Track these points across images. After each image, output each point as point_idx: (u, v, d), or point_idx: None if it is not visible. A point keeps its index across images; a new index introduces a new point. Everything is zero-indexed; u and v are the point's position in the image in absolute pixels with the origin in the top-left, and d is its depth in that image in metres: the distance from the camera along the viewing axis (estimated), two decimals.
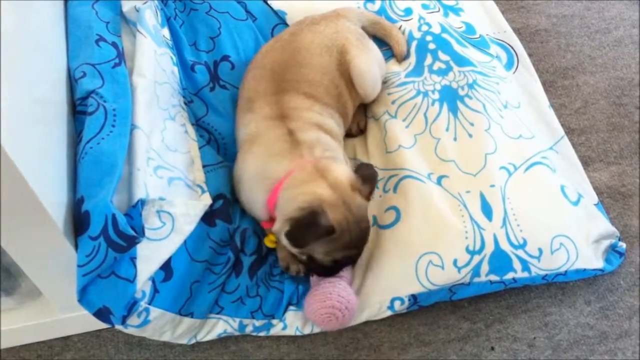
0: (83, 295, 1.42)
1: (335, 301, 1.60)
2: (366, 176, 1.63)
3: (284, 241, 1.59)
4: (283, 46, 1.88)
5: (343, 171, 1.62)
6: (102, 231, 1.37)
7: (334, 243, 1.56)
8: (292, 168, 1.62)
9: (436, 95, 1.97)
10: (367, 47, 1.97)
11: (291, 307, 1.70)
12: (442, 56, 2.05)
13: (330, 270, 1.65)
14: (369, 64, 1.91)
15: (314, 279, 1.70)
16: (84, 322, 1.69)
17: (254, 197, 1.69)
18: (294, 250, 1.61)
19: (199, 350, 1.71)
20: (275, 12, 2.19)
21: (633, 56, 2.32)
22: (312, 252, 1.59)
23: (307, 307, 1.65)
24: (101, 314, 1.45)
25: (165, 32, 1.98)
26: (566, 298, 1.79)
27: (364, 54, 1.92)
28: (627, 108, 2.18)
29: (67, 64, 1.69)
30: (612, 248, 1.81)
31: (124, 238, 1.38)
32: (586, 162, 2.02)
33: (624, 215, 1.94)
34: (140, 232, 1.43)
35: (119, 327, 1.49)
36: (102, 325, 1.71)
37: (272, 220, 1.66)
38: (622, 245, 1.82)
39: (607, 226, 1.82)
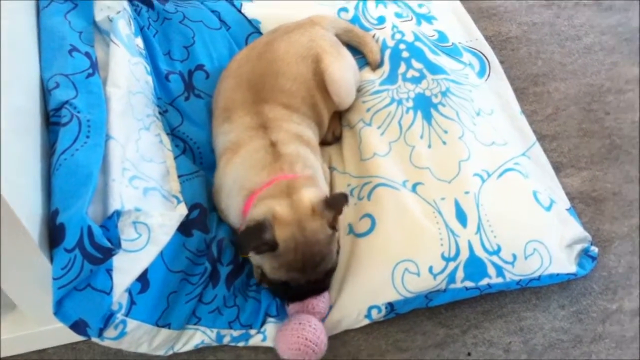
0: (59, 308, 1.41)
1: (301, 345, 1.61)
2: (332, 202, 1.59)
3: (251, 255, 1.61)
4: (259, 55, 1.88)
5: (311, 194, 1.59)
6: (78, 243, 1.36)
7: (278, 260, 1.55)
8: (269, 181, 1.63)
9: (410, 103, 1.98)
10: (341, 55, 1.98)
11: (270, 319, 1.70)
12: (416, 64, 2.07)
13: (284, 293, 1.66)
14: (343, 71, 1.93)
15: (287, 309, 1.71)
16: (60, 334, 1.67)
17: (230, 205, 1.69)
18: (253, 261, 1.64)
19: None
20: (249, 21, 2.19)
21: (602, 63, 2.36)
22: (261, 265, 1.60)
23: (276, 344, 1.66)
24: (77, 326, 1.43)
25: (139, 41, 1.98)
26: (540, 302, 1.81)
27: (338, 61, 1.93)
28: (597, 114, 2.22)
29: (40, 75, 1.67)
30: (585, 252, 1.84)
31: (100, 250, 1.37)
32: (558, 168, 2.05)
33: (596, 220, 1.97)
34: (116, 244, 1.42)
35: (95, 339, 1.48)
36: (79, 338, 1.70)
37: None
38: (595, 249, 1.84)
39: (580, 231, 1.85)
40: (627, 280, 1.85)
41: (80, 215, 1.37)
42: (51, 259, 1.40)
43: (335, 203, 1.59)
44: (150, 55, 2.01)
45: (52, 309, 1.41)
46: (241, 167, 1.69)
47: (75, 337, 1.69)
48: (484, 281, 1.71)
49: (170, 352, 1.66)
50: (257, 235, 1.51)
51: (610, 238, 1.93)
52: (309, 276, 1.59)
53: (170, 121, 1.93)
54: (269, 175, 1.64)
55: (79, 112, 1.57)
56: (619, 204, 2.01)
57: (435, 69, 2.06)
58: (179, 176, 1.76)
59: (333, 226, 1.58)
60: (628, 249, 1.91)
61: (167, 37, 2.10)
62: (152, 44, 2.04)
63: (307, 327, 1.63)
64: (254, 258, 1.62)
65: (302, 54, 1.89)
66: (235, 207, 1.67)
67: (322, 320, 1.70)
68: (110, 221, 1.44)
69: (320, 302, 1.69)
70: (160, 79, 1.98)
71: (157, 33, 2.10)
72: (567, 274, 1.79)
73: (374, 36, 2.15)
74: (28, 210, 1.35)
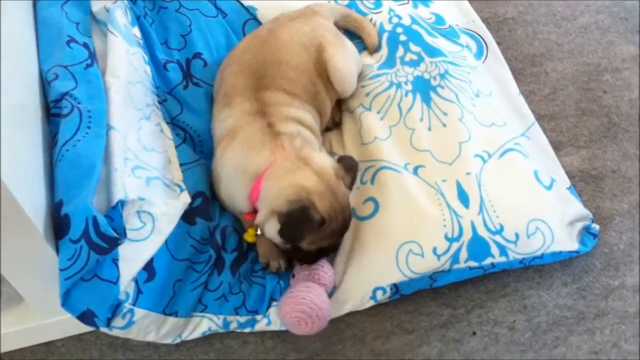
0: (66, 299, 1.41)
1: (307, 307, 1.60)
2: (348, 166, 1.66)
3: (270, 232, 1.61)
4: (262, 43, 1.88)
5: (326, 159, 1.65)
6: (83, 234, 1.36)
7: (323, 232, 1.58)
8: (273, 159, 1.63)
9: (409, 87, 1.99)
10: (343, 44, 1.98)
11: (274, 303, 1.70)
12: (414, 47, 2.07)
13: (313, 257, 1.67)
14: (346, 61, 1.93)
15: (292, 282, 1.71)
16: (67, 326, 1.68)
17: (235, 190, 1.69)
18: (279, 241, 1.62)
19: (184, 349, 1.71)
20: (246, 8, 2.19)
21: (599, 42, 2.36)
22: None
23: (280, 308, 1.64)
24: (85, 317, 1.44)
25: (136, 31, 1.97)
26: (543, 281, 1.82)
27: (340, 51, 1.93)
28: (595, 93, 2.22)
29: (38, 67, 1.67)
30: (586, 230, 1.85)
31: (106, 240, 1.37)
32: (557, 147, 2.05)
33: (596, 198, 1.98)
34: (121, 233, 1.43)
35: (103, 329, 1.48)
36: (86, 329, 1.71)
37: (254, 212, 1.67)
38: (596, 227, 1.85)
39: (581, 209, 1.86)
40: (629, 257, 1.86)
41: (85, 206, 1.37)
42: (57, 251, 1.40)
43: (350, 166, 1.65)
44: (148, 44, 2.01)
45: (59, 301, 1.42)
46: (240, 151, 1.68)
47: (83, 328, 1.70)
48: (488, 260, 1.72)
49: (178, 340, 1.67)
50: (307, 220, 1.53)
51: (610, 215, 1.94)
52: (343, 237, 1.66)
53: (170, 110, 1.93)
54: (271, 154, 1.64)
55: (79, 103, 1.56)
56: (618, 182, 2.02)
57: (433, 52, 2.06)
58: (181, 165, 1.76)
59: (350, 187, 1.65)
60: (629, 226, 1.92)
61: (164, 25, 2.10)
62: (149, 33, 2.03)
63: (314, 292, 1.62)
64: (276, 237, 1.61)
65: (305, 43, 1.89)
66: (240, 192, 1.67)
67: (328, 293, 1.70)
68: (115, 211, 1.45)
69: (326, 274, 1.69)
70: (159, 68, 1.98)
71: (154, 22, 2.10)
72: (569, 252, 1.80)
73: (371, 20, 2.15)
74: (32, 202, 1.34)
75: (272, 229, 1.60)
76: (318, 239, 1.60)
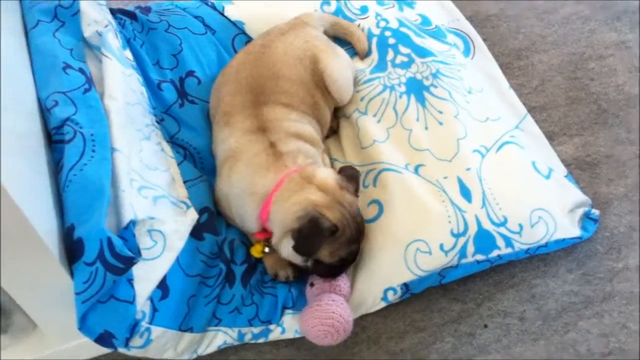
0: (83, 323, 1.42)
1: (336, 321, 1.62)
2: (350, 175, 1.69)
3: (286, 253, 1.63)
4: (256, 59, 1.90)
5: (328, 173, 1.68)
6: (99, 256, 1.37)
7: (338, 241, 1.60)
8: (278, 180, 1.65)
9: (402, 88, 2.01)
10: (337, 53, 2.01)
11: (287, 311, 1.72)
12: (403, 49, 2.10)
13: (336, 270, 1.68)
14: (341, 69, 1.96)
15: (311, 291, 1.72)
16: (78, 351, 1.68)
17: (244, 212, 1.71)
18: (298, 260, 1.64)
19: None
20: (233, 23, 2.21)
21: (581, 31, 2.41)
22: (318, 256, 1.62)
23: (304, 321, 1.65)
24: (103, 339, 1.45)
25: (128, 53, 1.98)
26: (549, 269, 1.85)
27: (335, 60, 1.96)
28: (582, 81, 2.27)
29: (36, 95, 1.68)
30: (587, 216, 1.88)
31: (122, 260, 1.38)
32: (550, 137, 2.09)
33: (593, 184, 2.01)
34: (136, 253, 1.44)
35: (122, 350, 1.49)
36: (97, 353, 1.71)
37: (264, 231, 1.69)
38: (596, 212, 1.89)
39: (580, 195, 1.89)
40: (630, 239, 1.90)
41: (98, 228, 1.38)
42: (71, 275, 1.41)
43: (352, 176, 1.69)
44: (140, 66, 2.02)
45: (76, 325, 1.42)
46: (246, 174, 1.70)
47: (94, 353, 1.71)
48: (494, 253, 1.75)
49: (194, 356, 1.67)
50: (317, 230, 1.56)
51: (608, 200, 1.98)
52: (360, 244, 1.68)
53: (168, 129, 1.95)
54: (276, 175, 1.66)
55: (81, 127, 1.57)
56: (613, 166, 2.06)
57: (423, 52, 2.09)
58: (185, 182, 1.78)
59: (356, 195, 1.68)
60: (627, 209, 1.96)
61: (154, 46, 2.11)
62: (141, 55, 2.05)
63: (340, 305, 1.64)
64: (294, 257, 1.64)
65: (299, 55, 1.92)
66: (250, 213, 1.70)
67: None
68: (127, 231, 1.46)
69: (345, 285, 1.71)
70: (153, 88, 1.99)
71: (144, 44, 2.11)
72: (572, 238, 1.83)
73: (358, 26, 2.18)
74: (44, 227, 1.35)
75: (287, 248, 1.62)
76: (336, 249, 1.62)
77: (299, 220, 1.57)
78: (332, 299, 1.65)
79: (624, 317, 1.76)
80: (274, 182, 1.65)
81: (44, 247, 1.32)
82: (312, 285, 1.73)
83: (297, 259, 1.64)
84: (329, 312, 1.62)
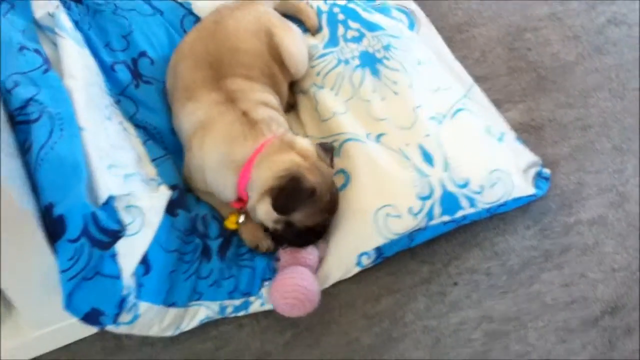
0: (70, 302, 1.39)
1: (297, 292, 1.63)
2: (325, 147, 1.74)
3: (263, 214, 1.63)
4: (210, 35, 1.89)
5: (307, 142, 1.70)
6: (83, 231, 1.35)
7: (314, 206, 1.63)
8: (257, 147, 1.66)
9: (356, 62, 2.06)
10: (290, 27, 2.04)
11: (266, 283, 1.73)
12: (353, 24, 2.15)
13: (303, 238, 1.70)
14: (296, 42, 1.99)
15: (278, 263, 1.74)
16: (57, 337, 1.64)
17: (221, 181, 1.71)
18: (271, 221, 1.65)
19: (180, 341, 1.70)
20: (180, 4, 2.19)
21: (515, 5, 2.52)
22: (292, 218, 1.63)
23: (270, 296, 1.68)
24: (90, 317, 1.42)
25: (78, 35, 1.93)
26: (508, 227, 1.94)
27: (289, 33, 1.98)
28: (520, 51, 2.38)
29: None
30: (539, 175, 1.98)
31: (108, 234, 1.37)
32: (496, 104, 2.17)
33: (539, 146, 2.12)
34: (122, 226, 1.41)
35: (110, 327, 1.47)
36: (74, 338, 1.68)
37: (240, 200, 1.69)
38: (547, 171, 1.99)
39: (531, 156, 1.99)
40: (579, 195, 2.02)
41: (81, 204, 1.36)
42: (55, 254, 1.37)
43: (327, 148, 1.74)
44: (91, 48, 1.97)
45: (60, 305, 1.39)
46: (222, 143, 1.70)
47: (70, 338, 1.67)
48: (459, 213, 1.82)
49: (177, 332, 1.66)
50: (298, 189, 1.57)
51: (555, 160, 2.09)
52: (332, 216, 1.70)
53: (125, 110, 1.91)
54: (254, 142, 1.67)
55: (46, 106, 1.53)
56: (555, 129, 2.17)
57: (372, 27, 2.14)
58: (152, 160, 1.76)
59: (331, 166, 1.72)
60: (574, 167, 2.07)
61: (103, 29, 2.06)
62: (90, 37, 1.99)
63: (301, 276, 1.66)
64: (267, 217, 1.65)
65: (252, 29, 1.92)
66: (228, 182, 1.70)
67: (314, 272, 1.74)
68: (108, 207, 1.43)
69: (310, 255, 1.73)
70: (107, 70, 1.95)
71: (91, 27, 2.05)
72: (528, 196, 1.93)
73: (307, 3, 2.21)
74: (27, 208, 1.32)
75: (263, 209, 1.64)
76: (310, 214, 1.64)
77: (281, 180, 1.59)
78: (292, 271, 1.67)
79: (582, 267, 1.87)
80: (252, 149, 1.66)
81: (31, 226, 1.28)
82: (277, 260, 1.75)
83: (270, 220, 1.66)
84: (290, 285, 1.64)
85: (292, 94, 2.07)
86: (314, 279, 1.69)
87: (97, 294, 1.40)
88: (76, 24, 1.99)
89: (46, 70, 1.64)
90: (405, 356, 1.71)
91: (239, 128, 1.70)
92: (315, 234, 1.72)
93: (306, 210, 1.62)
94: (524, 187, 1.91)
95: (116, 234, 1.38)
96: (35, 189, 1.43)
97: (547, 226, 1.95)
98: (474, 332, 1.76)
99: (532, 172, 1.97)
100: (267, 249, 1.75)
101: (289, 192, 1.58)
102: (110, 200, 1.45)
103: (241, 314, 1.73)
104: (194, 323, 1.67)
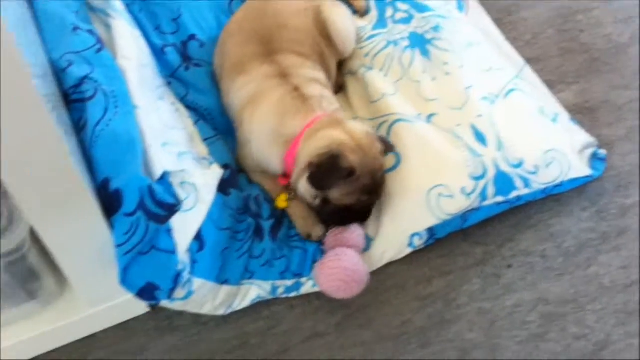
0: (125, 276, 1.39)
1: (341, 274, 1.62)
2: (381, 137, 1.72)
3: (303, 188, 1.63)
4: (258, 13, 1.89)
5: (360, 124, 1.70)
6: (139, 205, 1.35)
7: (352, 186, 1.60)
8: (307, 123, 1.65)
9: (406, 43, 2.03)
10: (338, 4, 2.02)
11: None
12: (401, 6, 2.13)
13: (342, 217, 1.68)
14: (344, 19, 1.97)
15: (325, 245, 1.73)
16: (111, 315, 1.65)
17: (268, 154, 1.71)
18: (309, 196, 1.64)
19: (232, 321, 1.69)
20: None
21: None
22: (328, 194, 1.62)
23: (316, 280, 1.67)
24: (145, 292, 1.42)
25: (129, 17, 1.95)
26: (563, 208, 1.90)
27: (338, 10, 1.98)
28: (572, 33, 2.33)
29: (47, 57, 1.63)
30: (594, 156, 1.93)
31: (164, 207, 1.37)
32: (550, 85, 2.13)
33: (595, 127, 2.06)
34: (178, 200, 1.41)
35: (164, 303, 1.47)
36: (129, 316, 1.68)
37: (286, 176, 1.68)
38: (603, 151, 1.95)
39: (586, 137, 1.95)
40: (635, 177, 1.96)
41: (138, 178, 1.36)
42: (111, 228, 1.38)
43: (382, 138, 1.72)
44: (141, 31, 1.99)
45: (117, 280, 1.39)
46: (273, 116, 1.70)
47: (126, 316, 1.68)
48: (513, 194, 1.78)
49: (229, 311, 1.66)
50: (334, 167, 1.55)
51: (611, 141, 2.04)
52: (373, 199, 1.65)
53: (176, 93, 1.92)
54: (305, 118, 1.66)
55: (100, 84, 1.54)
56: (610, 110, 2.12)
57: (421, 8, 2.11)
58: (203, 140, 1.76)
59: (383, 154, 1.68)
60: (630, 149, 2.02)
61: (152, 12, 2.08)
62: (140, 20, 2.02)
63: (345, 257, 1.64)
64: (306, 193, 1.64)
65: (302, 6, 1.92)
66: (275, 155, 1.69)
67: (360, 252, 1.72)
68: (164, 181, 1.43)
69: (354, 235, 1.72)
70: (157, 53, 1.97)
71: (142, 10, 2.07)
72: (584, 177, 1.88)
73: None
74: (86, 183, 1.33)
75: (303, 184, 1.63)
76: (347, 193, 1.62)
77: (320, 156, 1.58)
78: (336, 254, 1.65)
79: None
80: (302, 125, 1.66)
81: (88, 202, 1.29)
82: (323, 244, 1.74)
83: (309, 195, 1.65)
84: (335, 267, 1.63)
85: (341, 75, 2.05)
86: (359, 260, 1.67)
87: (153, 269, 1.41)
88: (127, 7, 2.01)
89: (99, 50, 1.65)
90: (459, 338, 1.68)
91: (290, 102, 1.69)
92: (356, 214, 1.69)
93: (343, 188, 1.61)
94: (580, 168, 1.87)
95: (172, 208, 1.38)
96: (90, 166, 1.45)
97: (603, 208, 1.90)
98: (529, 314, 1.72)
99: (588, 153, 1.92)
100: (319, 238, 1.73)
101: (326, 169, 1.57)
102: (165, 175, 1.45)
103: (292, 294, 1.72)
104: (245, 302, 1.67)
